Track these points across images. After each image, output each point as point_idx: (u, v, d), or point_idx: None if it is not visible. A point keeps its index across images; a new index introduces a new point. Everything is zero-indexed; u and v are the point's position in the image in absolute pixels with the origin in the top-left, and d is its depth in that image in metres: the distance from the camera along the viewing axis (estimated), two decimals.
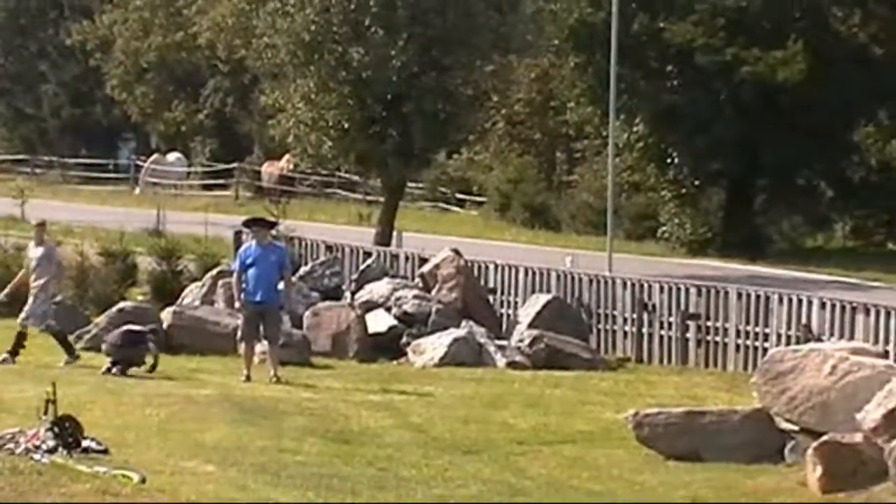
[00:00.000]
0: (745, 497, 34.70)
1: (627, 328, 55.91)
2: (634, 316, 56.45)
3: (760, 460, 37.41)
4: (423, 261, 59.37)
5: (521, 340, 51.82)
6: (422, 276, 56.55)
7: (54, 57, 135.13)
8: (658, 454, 37.89)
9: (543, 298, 55.02)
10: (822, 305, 53.44)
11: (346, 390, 44.22)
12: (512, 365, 50.49)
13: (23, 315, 50.86)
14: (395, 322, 52.68)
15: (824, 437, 34.77)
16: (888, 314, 50.10)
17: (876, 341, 46.35)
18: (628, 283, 58.75)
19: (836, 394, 37.19)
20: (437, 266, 56.90)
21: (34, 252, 51.55)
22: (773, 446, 38.26)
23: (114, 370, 46.51)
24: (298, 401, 41.93)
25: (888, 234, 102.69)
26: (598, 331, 55.79)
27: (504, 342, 51.79)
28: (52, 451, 31.49)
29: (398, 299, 54.62)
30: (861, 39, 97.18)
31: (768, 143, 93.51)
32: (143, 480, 28.61)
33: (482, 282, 57.79)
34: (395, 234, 75.21)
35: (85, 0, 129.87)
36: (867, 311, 51.45)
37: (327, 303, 55.12)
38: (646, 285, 59.10)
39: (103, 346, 49.02)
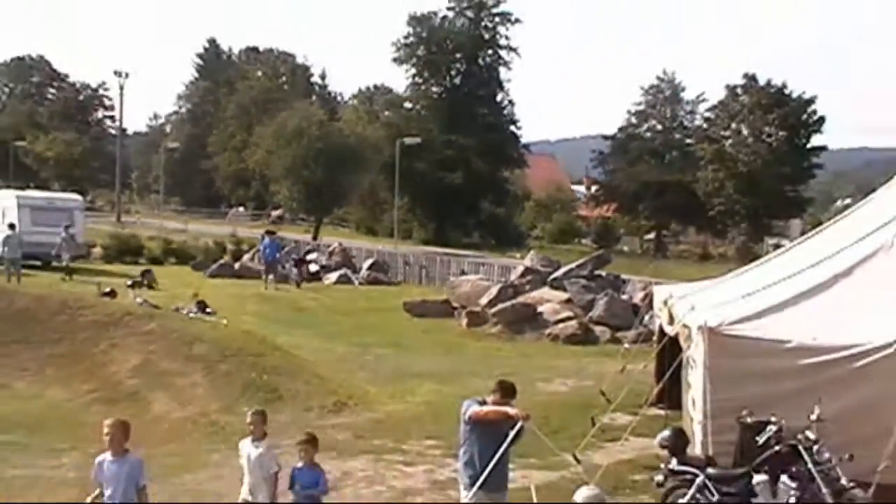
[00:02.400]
0: (438, 328, 35.33)
1: (401, 269, 54.56)
2: (404, 265, 55.29)
3: (446, 317, 37.30)
4: (328, 246, 58.55)
5: (363, 276, 51.32)
6: (328, 252, 55.89)
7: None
8: (412, 316, 37.73)
9: (371, 259, 54.31)
10: (469, 264, 53.43)
11: (302, 292, 43.66)
12: (361, 284, 49.38)
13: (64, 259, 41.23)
14: (318, 268, 51.77)
15: (468, 308, 35.89)
16: (490, 266, 50.84)
17: (485, 277, 45.58)
18: (400, 255, 58.08)
19: (473, 293, 38.01)
20: (333, 248, 56.51)
21: (63, 233, 41.91)
22: (450, 312, 37.88)
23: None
24: (283, 295, 41.71)
25: (490, 237, 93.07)
26: (392, 272, 54.06)
27: (357, 275, 51.16)
28: (195, 312, 31.87)
29: (318, 260, 53.87)
30: (481, 166, 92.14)
31: (453, 207, 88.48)
32: (227, 323, 28.86)
33: (351, 254, 56.87)
34: (319, 237, 74.59)
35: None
36: (483, 266, 51.96)
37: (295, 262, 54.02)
38: (406, 255, 58.24)
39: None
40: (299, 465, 12.17)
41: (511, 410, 11.53)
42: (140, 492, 10.52)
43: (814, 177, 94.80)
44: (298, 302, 40.11)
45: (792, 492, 12.98)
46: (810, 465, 12.97)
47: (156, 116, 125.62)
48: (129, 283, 38.54)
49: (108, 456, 10.53)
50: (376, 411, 22.12)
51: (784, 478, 13.07)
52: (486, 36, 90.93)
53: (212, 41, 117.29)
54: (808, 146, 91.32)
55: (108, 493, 10.43)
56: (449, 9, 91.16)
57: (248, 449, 12.12)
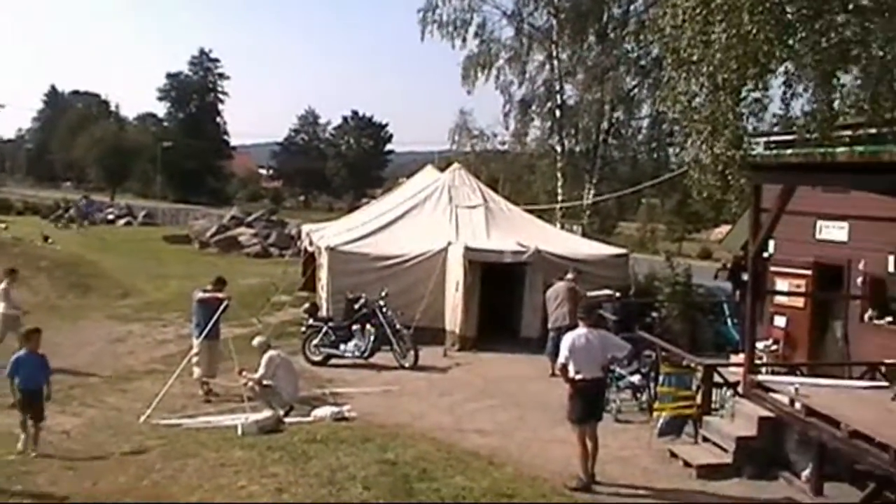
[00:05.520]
0: (182, 250, 32.14)
1: (161, 216, 48.08)
2: (162, 214, 49.30)
3: (187, 244, 33.70)
4: (119, 203, 52.53)
5: (140, 220, 45.73)
6: (118, 207, 50.03)
7: None
8: (168, 243, 34.00)
9: (144, 211, 47.95)
10: (200, 214, 46.97)
11: (102, 229, 38.73)
12: (138, 225, 43.77)
13: None
14: (113, 217, 44.91)
15: (200, 238, 32.31)
16: (211, 215, 42.29)
17: (209, 221, 38.14)
18: (161, 208, 51.87)
19: (202, 229, 34.45)
20: (122, 205, 50.90)
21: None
22: (189, 240, 34.20)
23: None
24: (92, 231, 36.64)
25: (212, 198, 75.43)
26: (157, 218, 47.48)
27: (136, 220, 44.94)
28: (42, 242, 28.14)
29: (113, 212, 47.47)
30: (208, 159, 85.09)
31: (191, 181, 77.02)
32: (60, 248, 25.79)
33: (132, 208, 50.83)
34: (114, 199, 67.44)
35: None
36: (207, 215, 44.22)
37: None
38: (164, 209, 52.07)
39: None
40: (23, 352, 8.81)
41: (221, 295, 11.55)
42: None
43: (387, 166, 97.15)
44: (101, 235, 35.60)
45: (372, 332, 13.34)
46: (382, 319, 13.34)
47: (20, 129, 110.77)
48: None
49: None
50: (147, 297, 20.98)
51: (368, 326, 13.39)
52: (210, 86, 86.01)
53: (52, 86, 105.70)
54: (385, 150, 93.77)
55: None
56: (190, 70, 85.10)
57: None
